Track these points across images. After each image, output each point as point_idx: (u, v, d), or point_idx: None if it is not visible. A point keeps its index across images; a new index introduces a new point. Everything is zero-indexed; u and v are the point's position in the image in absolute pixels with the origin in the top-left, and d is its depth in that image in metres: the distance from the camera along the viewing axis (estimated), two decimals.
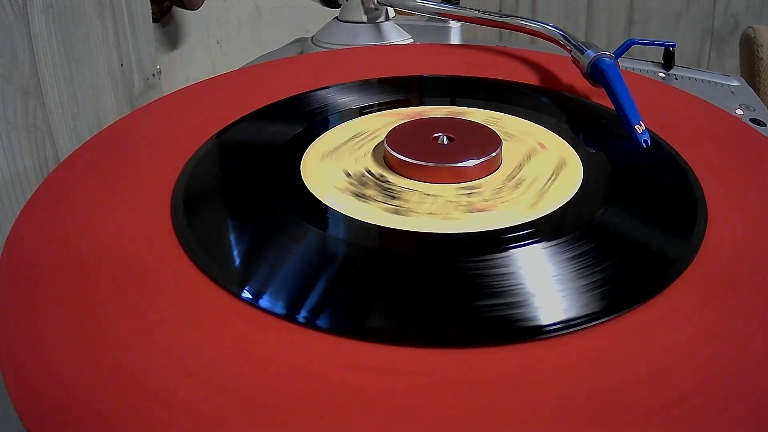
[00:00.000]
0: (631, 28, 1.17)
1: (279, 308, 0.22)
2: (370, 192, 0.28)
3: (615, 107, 0.34)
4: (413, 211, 0.27)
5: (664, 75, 0.48)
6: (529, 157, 0.31)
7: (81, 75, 0.47)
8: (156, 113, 0.37)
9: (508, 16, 0.45)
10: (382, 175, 0.29)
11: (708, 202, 0.28)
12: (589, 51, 0.37)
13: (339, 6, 0.53)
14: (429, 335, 0.21)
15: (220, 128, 0.34)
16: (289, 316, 0.22)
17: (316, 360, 0.21)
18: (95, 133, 0.35)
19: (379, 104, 0.37)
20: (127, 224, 0.27)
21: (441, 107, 0.36)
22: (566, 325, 0.21)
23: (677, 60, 0.49)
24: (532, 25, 0.43)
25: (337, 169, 0.30)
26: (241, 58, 0.75)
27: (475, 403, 0.19)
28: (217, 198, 0.29)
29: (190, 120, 0.36)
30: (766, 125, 0.41)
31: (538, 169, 0.30)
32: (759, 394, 0.19)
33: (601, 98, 0.36)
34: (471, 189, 0.28)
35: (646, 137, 0.31)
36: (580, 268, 0.24)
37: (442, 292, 0.23)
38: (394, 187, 0.28)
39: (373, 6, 0.52)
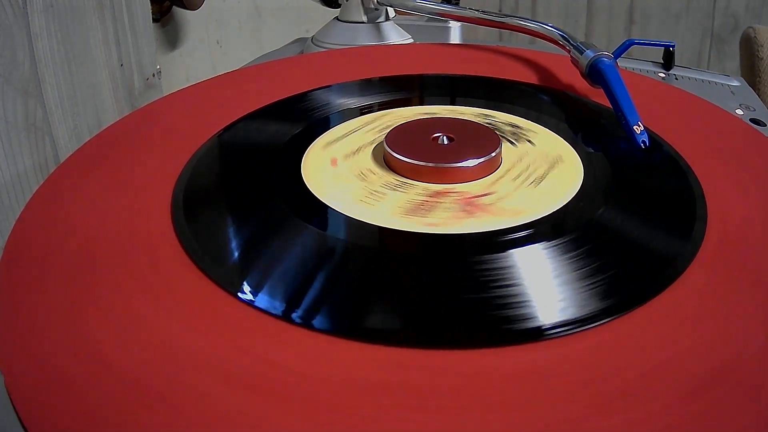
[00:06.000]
0: (631, 28, 1.17)
1: (278, 309, 0.22)
2: (369, 192, 0.28)
3: (613, 107, 0.34)
4: (412, 211, 0.27)
5: (664, 75, 0.48)
6: (550, 166, 0.30)
7: (81, 75, 0.47)
8: (156, 113, 0.37)
9: (507, 16, 0.45)
10: (381, 175, 0.29)
11: (708, 202, 0.28)
12: (588, 51, 0.37)
13: (339, 6, 0.53)
14: (428, 336, 0.21)
15: (220, 128, 0.34)
16: (288, 317, 0.22)
17: (314, 360, 0.21)
18: (95, 133, 0.35)
19: (379, 104, 0.37)
20: (127, 224, 0.27)
21: (449, 107, 0.36)
22: (566, 326, 0.21)
23: (677, 60, 0.49)
24: (531, 25, 0.43)
25: (336, 168, 0.30)
26: (241, 58, 0.75)
27: (474, 403, 0.19)
28: (217, 198, 0.29)
29: (190, 120, 0.36)
30: (766, 125, 0.41)
31: (542, 172, 0.30)
32: (760, 393, 0.19)
33: (600, 98, 0.36)
34: (469, 189, 0.28)
35: (645, 138, 0.31)
36: (580, 269, 0.24)
37: (442, 292, 0.23)
38: (392, 187, 0.28)
39: (373, 6, 0.52)
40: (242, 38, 0.79)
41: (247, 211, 0.28)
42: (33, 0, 0.41)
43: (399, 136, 0.31)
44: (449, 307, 0.22)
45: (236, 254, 0.25)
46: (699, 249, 0.25)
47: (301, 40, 0.58)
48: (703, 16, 1.14)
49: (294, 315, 0.22)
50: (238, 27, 0.78)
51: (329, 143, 0.32)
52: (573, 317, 0.22)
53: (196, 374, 0.20)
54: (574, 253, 0.24)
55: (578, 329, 0.21)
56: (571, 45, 0.39)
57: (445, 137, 0.31)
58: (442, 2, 0.50)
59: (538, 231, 0.26)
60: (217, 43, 0.74)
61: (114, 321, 0.22)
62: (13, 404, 0.19)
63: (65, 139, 0.45)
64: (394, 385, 0.20)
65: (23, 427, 0.19)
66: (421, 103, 0.37)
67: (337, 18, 0.53)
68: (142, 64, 0.53)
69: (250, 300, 0.23)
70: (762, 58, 0.66)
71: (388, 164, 0.30)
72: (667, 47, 0.48)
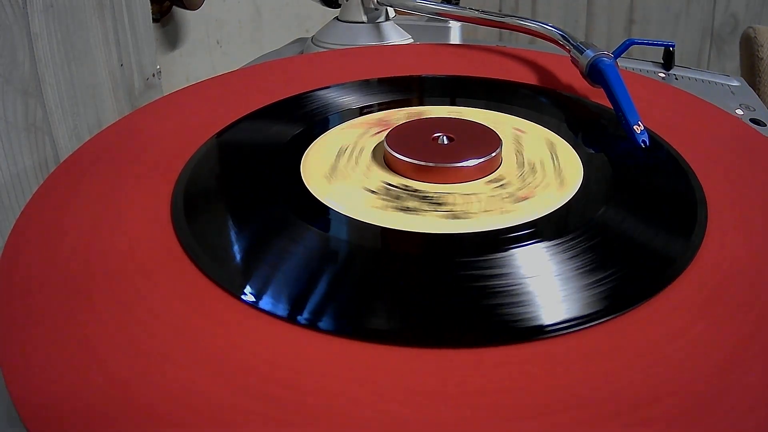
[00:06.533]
0: (631, 28, 1.17)
1: (279, 309, 0.22)
2: (369, 192, 0.28)
3: (613, 107, 0.34)
4: (415, 211, 0.27)
5: (664, 75, 0.48)
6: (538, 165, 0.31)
7: (81, 75, 0.47)
8: (156, 113, 0.37)
9: (507, 16, 0.45)
10: (381, 175, 0.29)
11: (708, 201, 0.28)
12: (588, 51, 0.37)
13: (339, 6, 0.53)
14: (430, 336, 0.21)
15: (220, 128, 0.34)
16: (290, 318, 0.22)
17: (316, 361, 0.21)
18: (95, 133, 0.35)
19: (379, 104, 0.37)
20: (127, 224, 0.27)
21: (444, 107, 0.36)
22: (567, 325, 0.21)
23: (677, 60, 0.49)
24: (531, 25, 0.43)
25: (335, 168, 0.30)
26: (241, 58, 0.75)
27: (476, 403, 0.19)
28: (217, 198, 0.29)
29: (190, 120, 0.36)
30: (766, 125, 0.41)
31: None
32: (757, 392, 0.19)
33: (600, 98, 0.36)
34: (474, 187, 0.28)
35: (645, 137, 0.31)
36: (581, 268, 0.24)
37: (443, 292, 0.23)
38: (393, 187, 0.28)
39: (373, 6, 0.52)
40: (242, 38, 0.79)
41: (246, 212, 0.28)
42: (33, 0, 0.41)
43: (399, 136, 0.31)
44: (450, 308, 0.22)
45: (236, 255, 0.25)
46: (699, 249, 0.25)
47: (301, 40, 0.58)
48: (703, 16, 1.14)
49: (294, 316, 0.22)
50: (238, 27, 0.78)
51: (327, 147, 0.32)
52: (573, 316, 0.22)
53: (197, 376, 0.20)
54: (575, 253, 0.24)
55: (578, 328, 0.21)
56: (571, 45, 0.39)
57: (445, 137, 0.31)
58: (442, 2, 0.50)
59: (539, 231, 0.26)
60: (217, 43, 0.74)
61: (113, 322, 0.22)
62: (12, 402, 0.19)
63: (65, 139, 0.45)
64: (396, 385, 0.20)
65: (23, 425, 0.19)
66: (421, 104, 0.37)
67: (337, 18, 0.53)
68: (142, 64, 0.53)
69: (249, 300, 0.23)
70: (762, 58, 0.66)
71: (389, 164, 0.30)
72: (667, 47, 0.48)
